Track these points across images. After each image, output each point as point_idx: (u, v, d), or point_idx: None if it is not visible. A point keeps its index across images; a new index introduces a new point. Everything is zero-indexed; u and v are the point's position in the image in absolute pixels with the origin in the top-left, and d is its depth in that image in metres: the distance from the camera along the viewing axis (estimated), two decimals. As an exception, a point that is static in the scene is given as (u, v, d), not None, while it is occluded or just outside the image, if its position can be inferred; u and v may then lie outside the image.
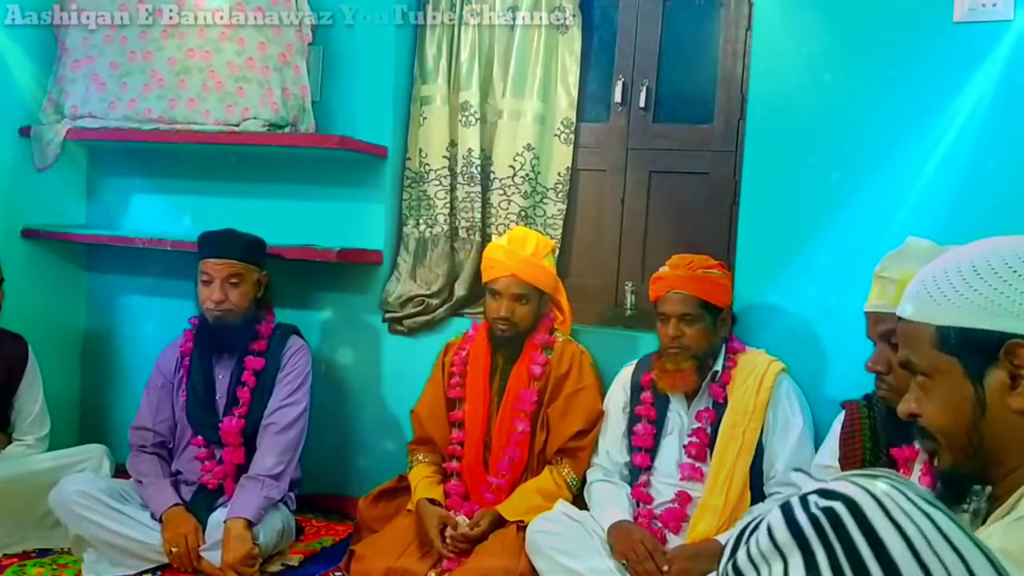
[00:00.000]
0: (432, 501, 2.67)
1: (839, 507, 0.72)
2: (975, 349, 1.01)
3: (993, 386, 1.01)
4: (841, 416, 2.31)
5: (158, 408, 2.94)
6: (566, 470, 2.68)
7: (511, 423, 2.73)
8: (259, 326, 2.92)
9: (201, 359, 2.91)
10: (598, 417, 2.71)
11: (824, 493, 0.75)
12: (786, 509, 0.75)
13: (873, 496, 0.73)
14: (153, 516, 2.74)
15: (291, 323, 3.03)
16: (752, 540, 0.76)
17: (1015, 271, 1.00)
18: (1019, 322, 0.98)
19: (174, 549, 2.65)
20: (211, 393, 2.90)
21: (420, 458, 2.85)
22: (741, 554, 0.77)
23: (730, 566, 0.78)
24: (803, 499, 0.76)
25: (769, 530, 0.75)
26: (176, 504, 2.76)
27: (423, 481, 2.75)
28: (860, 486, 0.74)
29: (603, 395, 2.77)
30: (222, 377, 2.91)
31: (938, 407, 1.07)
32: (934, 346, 1.04)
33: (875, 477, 0.76)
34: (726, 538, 2.34)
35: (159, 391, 2.96)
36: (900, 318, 1.09)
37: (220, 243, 2.86)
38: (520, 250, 2.76)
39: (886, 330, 1.88)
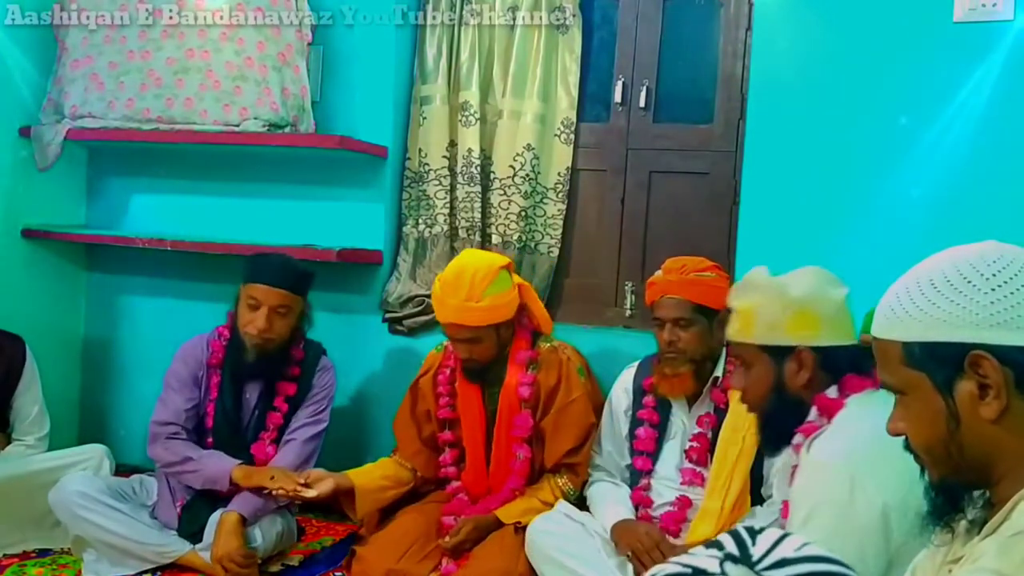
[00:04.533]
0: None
1: None
2: (941, 362, 1.02)
3: (963, 397, 1.02)
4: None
5: (186, 402, 2.80)
6: (563, 480, 2.65)
7: (509, 450, 2.66)
8: (292, 349, 2.84)
9: (233, 380, 2.81)
10: (589, 430, 2.66)
11: None
12: None
13: None
14: (218, 490, 2.69)
15: (317, 340, 2.94)
16: None
17: (969, 281, 1.01)
18: (979, 331, 0.99)
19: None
20: (239, 411, 2.83)
21: (396, 458, 2.85)
22: None
23: None
24: None
25: None
26: (240, 463, 2.70)
27: (376, 469, 2.79)
28: None
29: (601, 399, 2.74)
30: (249, 396, 2.84)
31: (915, 423, 1.08)
32: (902, 363, 1.06)
33: None
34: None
35: (189, 386, 2.81)
36: (874, 338, 1.10)
37: (275, 271, 2.73)
38: (452, 297, 2.53)
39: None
